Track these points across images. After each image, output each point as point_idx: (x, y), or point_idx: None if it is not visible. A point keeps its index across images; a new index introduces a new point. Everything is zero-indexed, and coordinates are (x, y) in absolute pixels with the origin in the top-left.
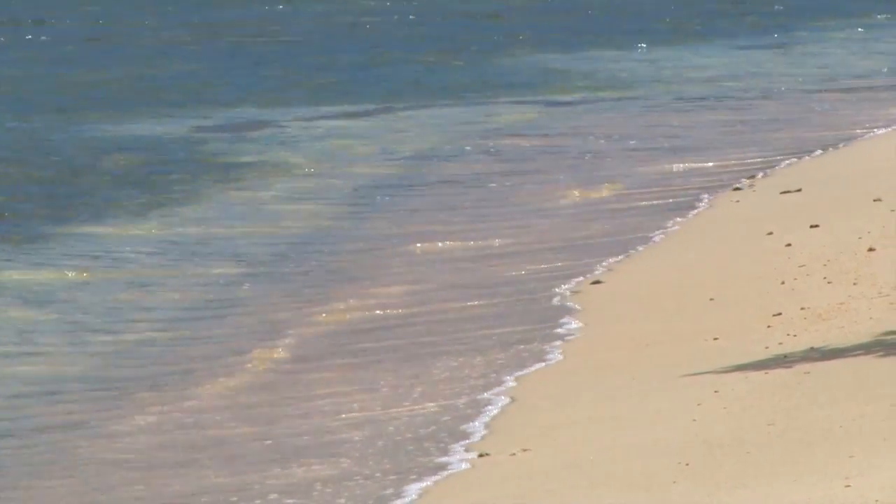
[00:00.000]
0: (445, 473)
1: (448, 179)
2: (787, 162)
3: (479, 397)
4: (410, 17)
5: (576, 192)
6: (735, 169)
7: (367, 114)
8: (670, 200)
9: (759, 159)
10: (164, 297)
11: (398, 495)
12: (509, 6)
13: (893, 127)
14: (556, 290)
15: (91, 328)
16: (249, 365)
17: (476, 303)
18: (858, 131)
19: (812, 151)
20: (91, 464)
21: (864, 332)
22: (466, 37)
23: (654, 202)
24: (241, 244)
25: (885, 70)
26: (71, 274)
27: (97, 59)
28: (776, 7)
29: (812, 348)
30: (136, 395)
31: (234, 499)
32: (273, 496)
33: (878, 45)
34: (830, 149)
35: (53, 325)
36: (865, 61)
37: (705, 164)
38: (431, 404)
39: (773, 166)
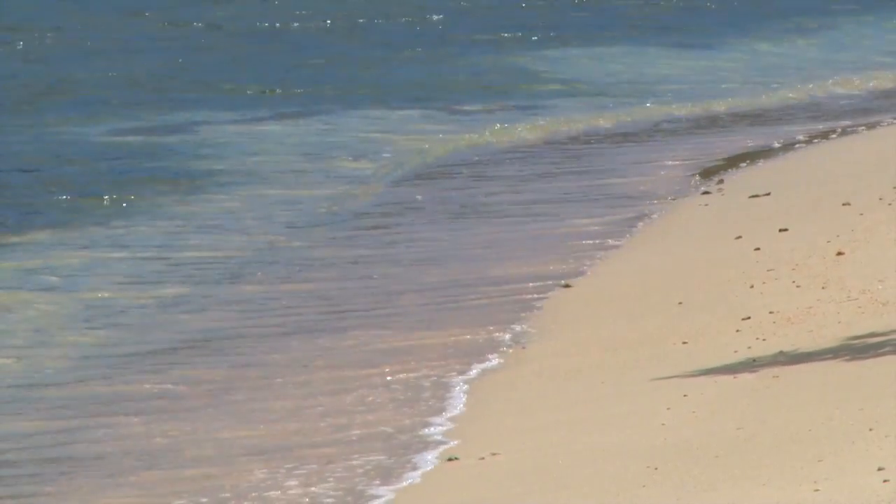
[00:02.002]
0: (413, 478)
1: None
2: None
3: (446, 401)
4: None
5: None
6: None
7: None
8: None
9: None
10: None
11: (364, 500)
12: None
13: (862, 130)
14: (526, 294)
15: (44, 343)
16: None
17: (442, 307)
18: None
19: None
20: None
21: (832, 335)
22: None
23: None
24: (195, 261)
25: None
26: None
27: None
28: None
29: (781, 352)
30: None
31: None
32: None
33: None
34: (796, 150)
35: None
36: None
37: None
38: (398, 408)
39: None
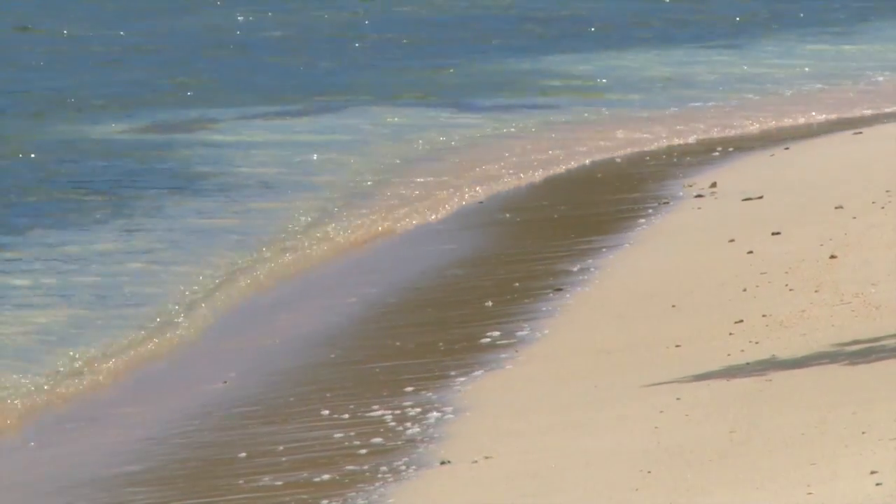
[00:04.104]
0: (406, 483)
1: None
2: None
3: (439, 404)
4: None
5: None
6: None
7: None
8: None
9: None
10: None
11: None
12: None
13: (854, 131)
14: (517, 297)
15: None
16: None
17: (434, 308)
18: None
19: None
20: None
21: (825, 339)
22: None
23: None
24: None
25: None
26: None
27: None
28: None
29: (774, 356)
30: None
31: None
32: None
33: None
34: (789, 152)
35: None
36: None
37: None
38: (389, 412)
39: None
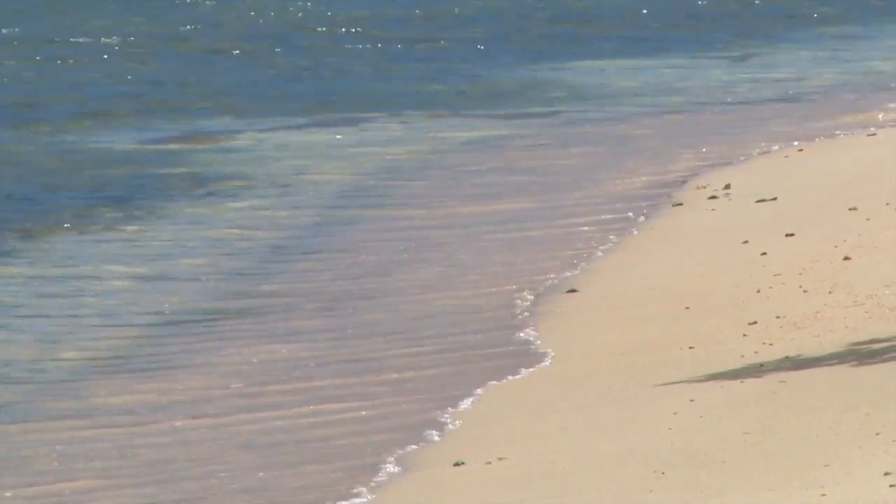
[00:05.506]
0: (421, 483)
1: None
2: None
3: (453, 406)
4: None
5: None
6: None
7: (334, 124)
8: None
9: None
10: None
11: None
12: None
13: (868, 133)
14: (532, 298)
15: (59, 342)
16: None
17: (451, 311)
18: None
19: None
20: None
21: (839, 340)
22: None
23: (624, 213)
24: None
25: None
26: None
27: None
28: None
29: (787, 357)
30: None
31: None
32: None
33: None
34: (803, 154)
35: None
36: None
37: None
38: (406, 413)
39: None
